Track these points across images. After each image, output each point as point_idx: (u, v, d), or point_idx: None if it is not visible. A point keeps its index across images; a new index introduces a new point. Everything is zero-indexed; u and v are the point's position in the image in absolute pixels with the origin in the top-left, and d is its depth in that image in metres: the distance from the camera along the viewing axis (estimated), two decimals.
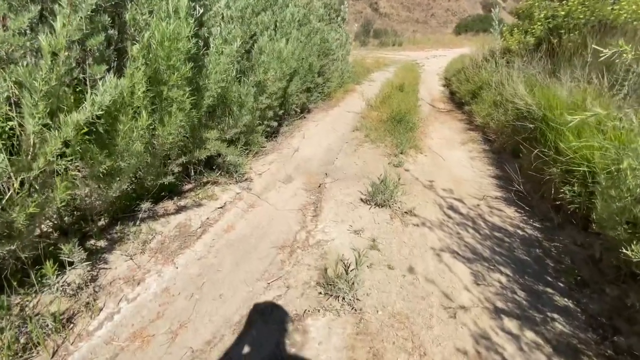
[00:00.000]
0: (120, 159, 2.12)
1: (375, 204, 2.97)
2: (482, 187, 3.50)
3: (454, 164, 4.17)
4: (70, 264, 2.04)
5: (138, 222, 2.67)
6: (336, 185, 3.44)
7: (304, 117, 5.76)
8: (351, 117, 6.08)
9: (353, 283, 1.92)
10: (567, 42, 5.25)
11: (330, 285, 2.04)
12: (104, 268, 2.27)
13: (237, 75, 3.56)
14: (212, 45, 2.73)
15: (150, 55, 2.26)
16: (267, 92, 3.89)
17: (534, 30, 6.02)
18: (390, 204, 2.92)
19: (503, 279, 2.16)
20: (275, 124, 4.43)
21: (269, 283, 2.23)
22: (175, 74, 2.34)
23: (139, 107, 2.18)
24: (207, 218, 2.96)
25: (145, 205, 2.69)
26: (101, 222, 2.56)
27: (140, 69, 2.08)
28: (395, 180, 3.05)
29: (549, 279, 2.21)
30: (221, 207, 3.13)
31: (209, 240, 2.72)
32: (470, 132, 5.45)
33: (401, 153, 4.21)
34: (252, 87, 3.53)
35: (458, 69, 9.90)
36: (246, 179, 3.58)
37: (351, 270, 2.15)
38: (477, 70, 7.20)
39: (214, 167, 3.48)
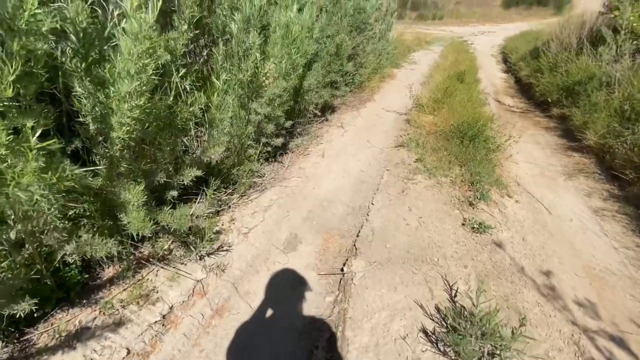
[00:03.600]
0: None
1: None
2: None
3: (571, 225, 2.50)
4: None
5: None
6: (373, 279, 1.91)
7: (326, 120, 4.16)
8: (392, 121, 4.40)
9: None
10: None
11: None
12: None
13: (224, 66, 2.03)
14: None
15: None
16: (266, 96, 2.34)
17: None
18: None
19: None
20: (279, 140, 2.89)
21: None
22: None
23: None
24: (128, 354, 1.56)
25: None
26: None
27: None
28: (516, 313, 1.48)
29: None
30: (162, 319, 1.72)
31: None
32: (572, 153, 3.65)
33: (481, 198, 2.58)
34: (236, 89, 1.99)
35: (528, 52, 7.75)
36: (220, 247, 2.13)
37: None
38: (572, 55, 5.19)
39: (158, 231, 2.04)
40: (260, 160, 2.78)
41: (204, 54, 2.53)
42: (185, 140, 1.86)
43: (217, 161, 2.28)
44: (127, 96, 1.20)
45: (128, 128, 1.34)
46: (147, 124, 1.45)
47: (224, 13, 2.01)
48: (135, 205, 1.47)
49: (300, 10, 2.44)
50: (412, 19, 27.31)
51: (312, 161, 3.24)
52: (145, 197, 1.48)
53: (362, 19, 4.22)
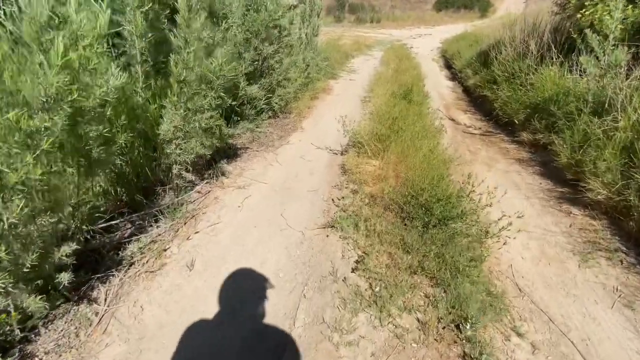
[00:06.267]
0: None
1: None
2: None
3: None
4: None
5: None
6: None
7: (217, 178, 2.65)
8: (323, 168, 3.04)
9: None
10: None
11: None
12: None
13: None
14: None
15: None
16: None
17: None
18: None
19: None
20: (60, 280, 1.33)
21: None
22: None
23: None
24: None
25: None
26: None
27: None
28: None
29: None
30: None
31: None
32: (572, 208, 2.58)
33: None
34: None
35: (474, 57, 6.99)
36: None
37: None
38: (533, 64, 4.31)
39: None
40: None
41: None
42: None
43: None
44: None
45: None
46: None
47: None
48: None
49: None
50: (350, 22, 26.88)
51: (167, 284, 1.72)
52: None
53: (263, 20, 2.79)
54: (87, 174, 1.55)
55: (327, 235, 2.06)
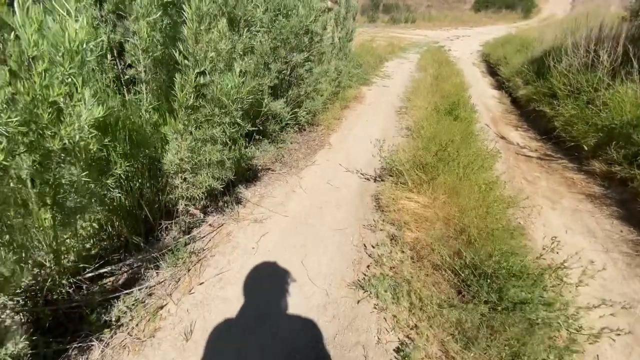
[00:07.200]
0: None
1: None
2: None
3: None
4: None
5: None
6: None
7: (233, 206, 2.30)
8: (352, 197, 2.62)
9: None
10: None
11: None
12: None
13: None
14: None
15: None
16: None
17: None
18: None
19: None
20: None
21: None
22: None
23: None
24: None
25: None
26: None
27: None
28: None
29: None
30: None
31: None
32: None
33: None
34: None
35: (526, 65, 6.25)
36: None
37: None
38: (604, 77, 3.64)
39: None
40: None
41: None
42: None
43: None
44: None
45: None
46: None
47: None
48: None
49: None
50: (384, 22, 26.12)
51: None
52: None
53: (293, 26, 2.40)
54: (65, 224, 1.24)
55: (358, 302, 1.64)
